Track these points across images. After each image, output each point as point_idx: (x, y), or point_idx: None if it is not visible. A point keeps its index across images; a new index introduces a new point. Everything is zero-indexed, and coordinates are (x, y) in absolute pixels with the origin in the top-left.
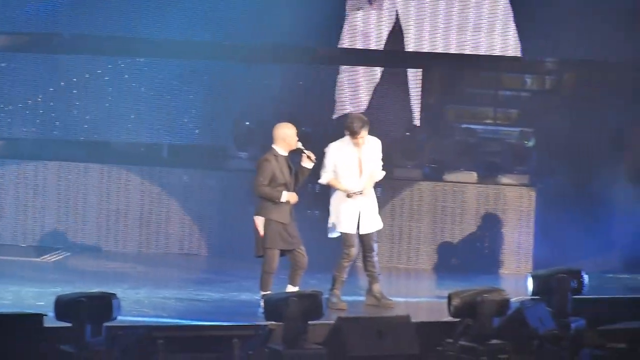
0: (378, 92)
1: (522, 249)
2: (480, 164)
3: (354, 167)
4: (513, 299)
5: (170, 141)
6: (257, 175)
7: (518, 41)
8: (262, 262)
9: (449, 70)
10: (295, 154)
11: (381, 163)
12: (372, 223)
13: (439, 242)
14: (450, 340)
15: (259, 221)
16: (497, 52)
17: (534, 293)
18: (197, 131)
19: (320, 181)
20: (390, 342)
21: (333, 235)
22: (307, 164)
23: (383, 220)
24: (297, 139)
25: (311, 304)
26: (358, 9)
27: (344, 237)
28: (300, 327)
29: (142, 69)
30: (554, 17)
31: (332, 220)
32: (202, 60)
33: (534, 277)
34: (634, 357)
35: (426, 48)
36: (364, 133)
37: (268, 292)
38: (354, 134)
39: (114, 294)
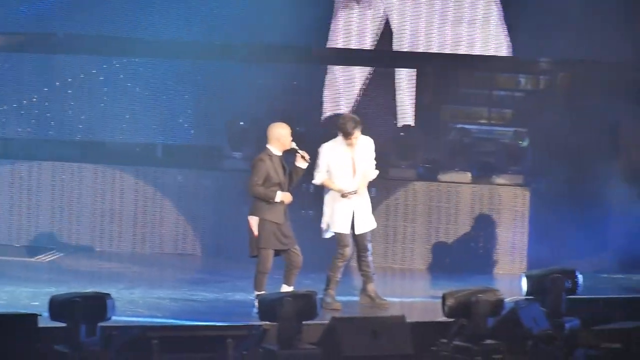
0: (366, 92)
1: (517, 249)
2: (475, 164)
3: (347, 167)
4: (507, 299)
5: (164, 141)
6: (252, 175)
7: (508, 41)
8: (257, 262)
9: (443, 70)
10: (290, 154)
11: (374, 162)
12: (366, 223)
13: (433, 242)
14: (445, 340)
15: (253, 221)
16: (488, 52)
17: (528, 293)
18: (192, 131)
19: (314, 181)
20: (385, 342)
21: (327, 235)
22: (301, 164)
23: (377, 221)
24: (292, 138)
25: (305, 304)
26: (346, 8)
27: (338, 237)
28: (295, 327)
29: (137, 69)
30: (548, 17)
31: (326, 220)
32: (197, 61)
33: (528, 277)
34: (628, 357)
35: (415, 47)
36: (357, 133)
37: (262, 292)
38: (347, 135)
39: (108, 294)
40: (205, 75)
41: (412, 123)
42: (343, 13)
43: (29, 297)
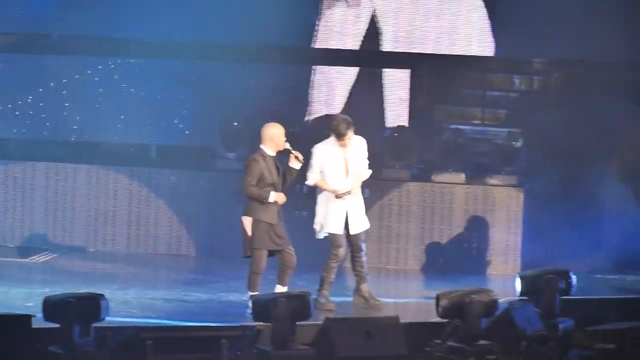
0: (355, 92)
1: (510, 249)
2: (469, 165)
3: (340, 167)
4: (501, 300)
5: (159, 142)
6: (246, 175)
7: (494, 40)
8: (250, 263)
9: (437, 71)
10: (284, 155)
11: (367, 162)
12: (360, 223)
13: (427, 243)
14: (439, 341)
15: (247, 221)
16: (475, 52)
17: (522, 294)
18: (186, 132)
19: (307, 182)
20: (379, 342)
21: (320, 236)
22: (295, 164)
23: (371, 221)
24: (285, 139)
25: (299, 305)
26: (333, 7)
27: (332, 237)
28: (289, 328)
29: (132, 70)
30: (542, 18)
31: (319, 221)
32: (191, 61)
33: (522, 277)
34: (622, 357)
35: (404, 47)
36: (350, 134)
37: (256, 293)
38: (340, 136)
39: (102, 295)
40: (199, 75)
41: (405, 124)
42: (330, 12)
43: (22, 297)
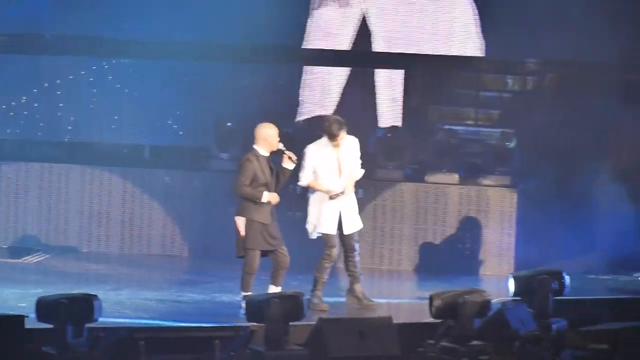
0: (347, 92)
1: (504, 250)
2: (462, 165)
3: (333, 168)
4: (494, 300)
5: (153, 142)
6: (239, 175)
7: (484, 40)
8: (243, 263)
9: (431, 72)
10: (277, 155)
11: (360, 161)
12: (353, 223)
13: (420, 244)
14: (432, 342)
15: (240, 221)
16: (467, 52)
17: (515, 294)
18: (180, 132)
19: (299, 183)
20: (372, 343)
21: (314, 236)
22: (288, 164)
23: (365, 222)
24: (279, 139)
25: (292, 305)
26: (323, 7)
27: (325, 237)
28: (282, 328)
29: (127, 70)
30: (535, 18)
31: (312, 221)
32: (185, 61)
33: (515, 278)
34: (615, 358)
35: (394, 47)
36: (342, 135)
37: (249, 293)
38: (333, 137)
39: (95, 296)
40: (193, 76)
41: (399, 124)
42: (320, 12)
43: (16, 298)
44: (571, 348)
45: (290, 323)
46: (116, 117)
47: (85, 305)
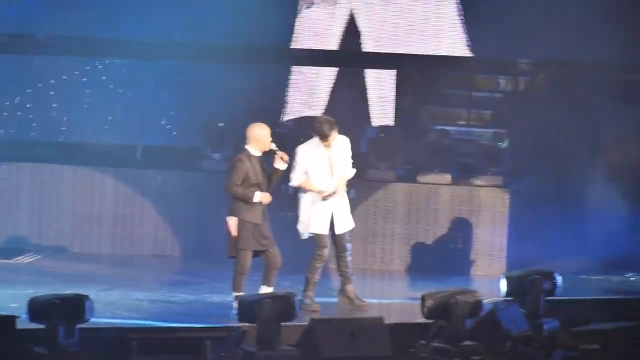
0: (336, 92)
1: (496, 250)
2: (454, 166)
3: (324, 168)
4: (486, 300)
5: (146, 142)
6: (230, 175)
7: (475, 42)
8: (235, 263)
9: (423, 72)
10: (269, 155)
11: (351, 161)
12: (345, 223)
13: (412, 244)
14: (423, 342)
15: (232, 222)
16: (457, 53)
17: (507, 294)
18: (174, 132)
19: (291, 184)
20: (364, 343)
21: (305, 236)
22: (280, 165)
23: (356, 222)
24: (271, 139)
25: (284, 306)
26: (310, 7)
27: (316, 238)
28: (274, 329)
29: (120, 71)
30: (527, 18)
31: (303, 221)
32: (179, 61)
33: (507, 278)
34: (607, 358)
35: (383, 47)
36: (333, 135)
37: (241, 294)
38: (324, 137)
39: (87, 296)
40: (187, 76)
41: (391, 122)
42: (308, 12)
43: (7, 298)
44: (563, 348)
45: (282, 323)
46: (110, 118)
47: (77, 305)
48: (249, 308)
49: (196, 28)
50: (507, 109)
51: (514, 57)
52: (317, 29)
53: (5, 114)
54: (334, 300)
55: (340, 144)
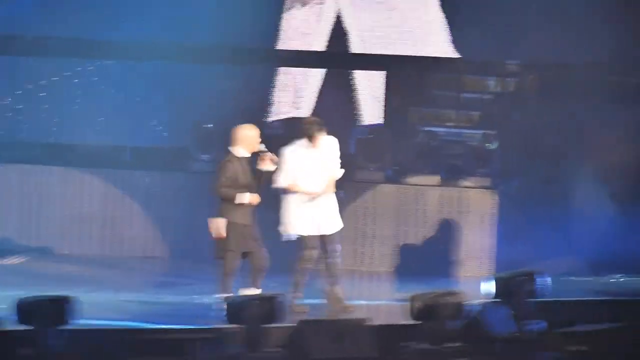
0: (324, 93)
1: (484, 251)
2: (443, 167)
3: (312, 169)
4: (474, 302)
5: (137, 144)
6: (218, 176)
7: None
8: (223, 265)
9: (411, 73)
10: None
11: (339, 161)
12: (333, 224)
13: (400, 245)
14: (410, 343)
15: (220, 223)
16: (446, 54)
17: (495, 296)
18: (165, 134)
19: (278, 185)
20: (350, 345)
21: (292, 238)
22: (269, 166)
23: (345, 223)
24: (260, 140)
25: (271, 307)
26: (296, 7)
27: (304, 239)
28: (261, 330)
29: (111, 72)
30: (516, 20)
31: (290, 222)
32: (170, 63)
33: (495, 279)
34: None
35: (370, 47)
36: (321, 136)
37: (228, 295)
38: (311, 138)
39: (74, 297)
40: (178, 77)
41: (380, 123)
42: (294, 12)
43: None
44: (551, 350)
45: (269, 325)
46: (100, 119)
47: (64, 307)
48: (236, 309)
49: (185, 29)
50: (496, 110)
51: (503, 58)
52: (303, 29)
53: None
54: (322, 301)
55: (329, 145)
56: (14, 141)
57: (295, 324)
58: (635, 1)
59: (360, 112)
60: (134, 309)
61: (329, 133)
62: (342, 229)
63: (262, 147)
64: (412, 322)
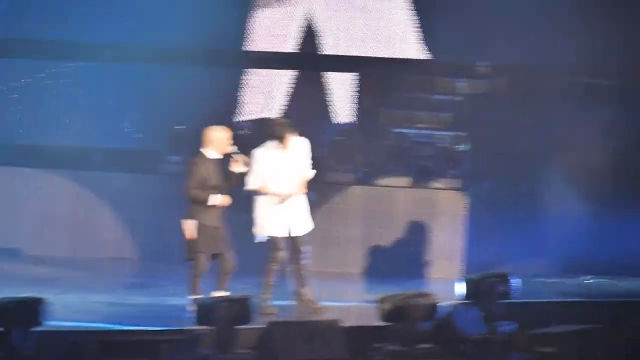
0: (295, 94)
1: (454, 252)
2: (414, 169)
3: (281, 170)
4: (444, 303)
5: (107, 145)
6: (187, 178)
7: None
8: (192, 266)
9: (381, 74)
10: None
11: (310, 162)
12: (302, 225)
13: (370, 246)
14: (380, 345)
15: (191, 224)
16: (416, 56)
17: (465, 297)
18: (136, 135)
19: (248, 187)
20: (320, 346)
21: (261, 239)
22: (238, 168)
23: (315, 224)
24: (232, 142)
25: (241, 309)
26: (265, 7)
27: (272, 240)
28: (230, 332)
29: (83, 74)
30: (487, 21)
31: (259, 224)
32: (140, 64)
33: (465, 281)
34: None
35: (341, 48)
36: (290, 137)
37: (198, 297)
38: (280, 140)
39: (43, 299)
40: (148, 79)
41: (350, 127)
42: (263, 13)
43: None
44: (520, 351)
45: (239, 327)
46: (72, 120)
47: (33, 308)
48: (205, 311)
49: (157, 31)
50: (467, 112)
51: (474, 60)
52: (273, 30)
53: None
54: (291, 303)
55: (299, 146)
56: None
57: (264, 326)
58: (603, 3)
59: (331, 114)
60: (104, 310)
61: (300, 134)
62: (312, 230)
63: (234, 148)
64: (381, 323)
